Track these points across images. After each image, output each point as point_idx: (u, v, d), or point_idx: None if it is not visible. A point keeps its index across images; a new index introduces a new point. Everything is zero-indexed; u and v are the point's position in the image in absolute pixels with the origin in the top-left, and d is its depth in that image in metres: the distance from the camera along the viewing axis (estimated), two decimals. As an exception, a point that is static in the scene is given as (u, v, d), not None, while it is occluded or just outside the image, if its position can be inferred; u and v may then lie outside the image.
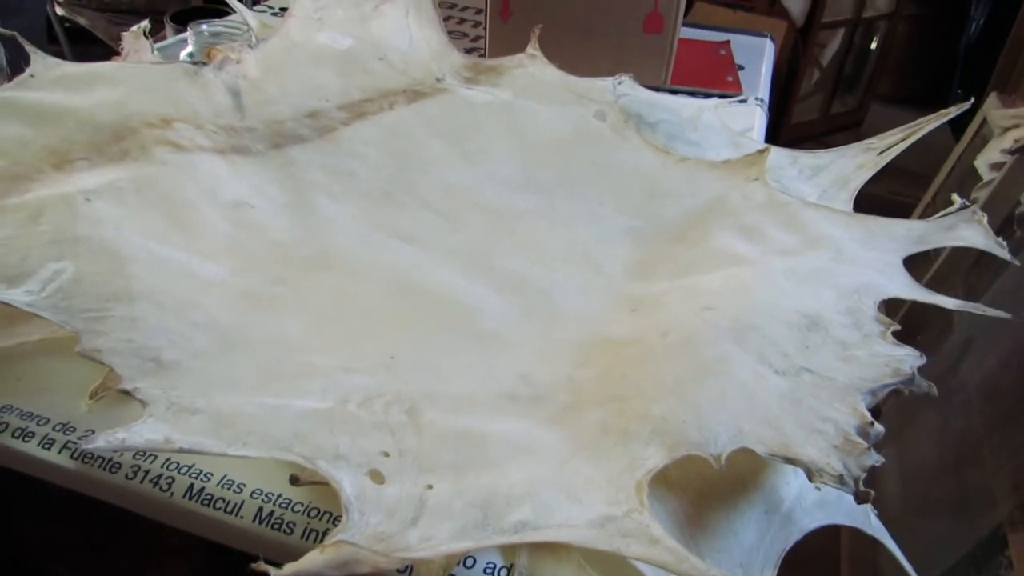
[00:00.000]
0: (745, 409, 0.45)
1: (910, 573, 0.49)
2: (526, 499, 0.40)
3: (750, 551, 0.44)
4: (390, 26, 0.87)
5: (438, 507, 0.40)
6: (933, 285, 1.55)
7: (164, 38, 2.77)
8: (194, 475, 0.46)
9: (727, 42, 1.27)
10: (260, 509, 0.45)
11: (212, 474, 0.46)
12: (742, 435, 0.43)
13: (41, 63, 0.66)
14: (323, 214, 0.64)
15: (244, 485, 0.45)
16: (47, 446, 0.47)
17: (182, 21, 2.67)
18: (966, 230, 0.67)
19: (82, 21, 2.99)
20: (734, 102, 1.04)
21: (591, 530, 0.38)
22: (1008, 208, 1.50)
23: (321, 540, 0.43)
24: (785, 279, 0.58)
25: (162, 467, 0.46)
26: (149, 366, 0.44)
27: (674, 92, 1.06)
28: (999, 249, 0.65)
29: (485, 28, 1.05)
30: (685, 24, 1.08)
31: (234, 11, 0.91)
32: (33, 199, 0.54)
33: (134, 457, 0.46)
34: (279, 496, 0.45)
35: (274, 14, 1.24)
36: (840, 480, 0.41)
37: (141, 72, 0.68)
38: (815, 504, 0.47)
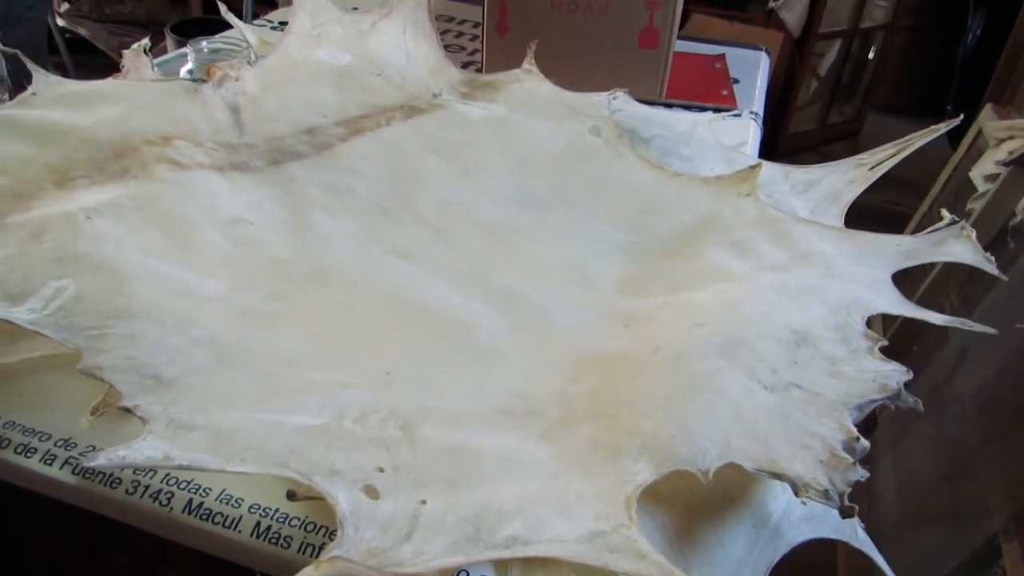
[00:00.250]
0: (733, 424, 0.46)
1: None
2: (517, 514, 0.41)
3: (739, 564, 0.45)
4: (387, 42, 0.88)
5: (431, 522, 0.41)
6: (929, 295, 1.56)
7: (164, 50, 2.79)
8: (193, 490, 0.46)
9: (722, 55, 1.28)
10: (258, 523, 0.45)
11: (211, 489, 0.47)
12: (730, 450, 0.44)
13: (43, 81, 0.67)
14: (321, 230, 0.65)
15: (242, 500, 0.46)
16: (49, 462, 0.47)
17: (182, 32, 2.69)
18: (955, 245, 0.67)
19: (82, 32, 3.01)
20: (728, 116, 1.05)
21: (580, 545, 0.39)
22: (1003, 219, 1.52)
23: (317, 554, 0.44)
24: (775, 295, 0.59)
25: (162, 482, 0.47)
26: (149, 383, 0.45)
27: (669, 106, 1.08)
28: (987, 265, 0.66)
29: (482, 43, 1.06)
30: (681, 37, 1.09)
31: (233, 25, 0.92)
32: (35, 217, 0.55)
33: (134, 473, 0.47)
34: (276, 511, 0.46)
35: (273, 28, 1.25)
36: (825, 495, 0.42)
37: (141, 90, 0.69)
38: (803, 518, 0.48)
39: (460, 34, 1.32)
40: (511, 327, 0.59)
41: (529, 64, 0.90)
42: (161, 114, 0.68)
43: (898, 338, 1.60)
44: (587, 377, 0.53)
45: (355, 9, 1.32)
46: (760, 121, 1.09)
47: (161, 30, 2.70)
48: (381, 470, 0.44)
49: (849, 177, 0.80)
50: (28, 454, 0.48)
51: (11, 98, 2.08)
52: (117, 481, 0.47)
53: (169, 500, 0.46)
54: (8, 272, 0.50)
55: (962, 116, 0.80)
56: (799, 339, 0.54)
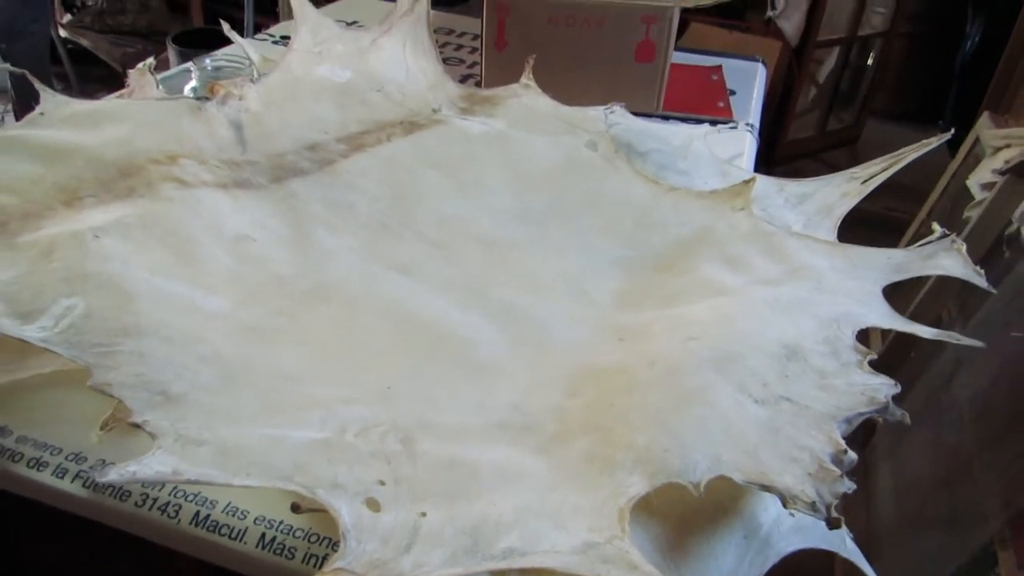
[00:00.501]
0: (724, 438, 0.47)
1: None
2: (514, 526, 0.42)
3: (729, 575, 0.46)
4: (388, 59, 0.89)
5: (431, 534, 0.42)
6: (927, 303, 1.57)
7: (166, 60, 2.80)
8: (200, 503, 0.48)
9: (719, 67, 1.30)
10: (263, 535, 0.47)
11: (217, 502, 0.48)
12: (721, 463, 0.45)
13: (51, 101, 0.68)
14: (322, 247, 0.66)
15: (247, 512, 0.48)
16: (60, 475, 0.49)
17: (184, 43, 2.71)
18: (945, 259, 0.69)
19: (85, 43, 3.03)
20: (724, 129, 1.07)
21: (574, 556, 0.40)
22: (999, 228, 1.53)
23: (321, 565, 0.46)
24: (768, 309, 0.60)
25: (170, 495, 0.48)
26: (157, 399, 0.47)
27: (666, 118, 1.09)
28: (977, 278, 0.67)
29: (481, 57, 1.08)
30: (678, 48, 1.11)
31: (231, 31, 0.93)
32: (45, 236, 0.56)
33: (143, 486, 0.48)
34: (281, 522, 0.47)
35: (275, 42, 1.27)
36: (812, 507, 0.44)
37: (147, 109, 0.71)
38: (792, 528, 0.49)
39: (459, 47, 1.33)
40: (509, 342, 0.60)
41: (527, 79, 0.91)
42: (166, 133, 0.69)
43: (896, 346, 1.61)
44: (583, 391, 0.55)
45: (355, 22, 1.35)
46: (756, 133, 1.10)
47: (163, 40, 2.73)
48: (382, 483, 0.45)
49: (842, 190, 0.81)
50: (40, 468, 0.49)
51: (14, 109, 2.10)
52: (126, 494, 0.48)
53: (177, 512, 0.48)
54: (20, 291, 0.51)
55: (953, 131, 0.81)
56: (790, 353, 0.56)
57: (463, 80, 1.19)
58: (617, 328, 0.62)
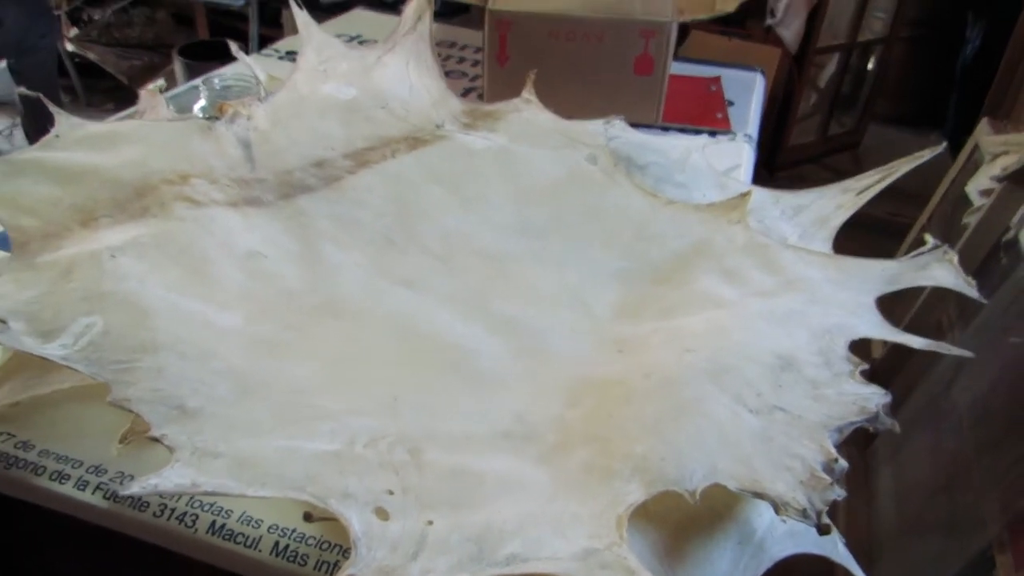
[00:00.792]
0: (719, 447, 0.49)
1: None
2: (517, 534, 0.44)
3: (725, 578, 0.48)
4: (391, 76, 0.91)
5: (437, 542, 0.44)
6: (928, 307, 1.59)
7: (172, 72, 2.82)
8: (216, 512, 0.50)
9: (718, 78, 1.32)
10: (276, 543, 0.49)
11: (232, 511, 0.50)
12: (716, 472, 0.47)
13: (65, 123, 0.70)
14: (330, 262, 0.68)
15: (261, 521, 0.50)
16: (82, 487, 0.51)
17: (189, 55, 2.73)
18: (938, 270, 0.70)
19: (91, 56, 3.06)
20: (723, 140, 1.09)
21: (574, 562, 0.42)
22: (997, 234, 1.54)
23: (332, 571, 0.48)
24: (762, 321, 0.62)
25: (187, 505, 0.50)
26: (174, 413, 0.49)
27: (666, 129, 1.11)
28: (968, 289, 0.68)
29: (483, 71, 1.10)
30: (678, 57, 1.13)
31: (238, 44, 0.95)
32: (63, 256, 0.59)
33: (161, 496, 0.50)
34: (294, 531, 0.50)
35: (280, 58, 1.29)
36: (804, 514, 0.45)
37: (158, 130, 0.73)
38: (786, 534, 0.51)
39: (462, 59, 1.36)
40: (511, 353, 0.62)
41: (528, 93, 0.93)
42: (178, 153, 0.71)
43: (896, 351, 1.63)
44: (583, 401, 0.56)
45: (358, 36, 1.37)
46: (754, 144, 1.12)
47: (169, 53, 2.76)
48: (390, 493, 0.47)
49: (837, 202, 0.83)
50: (62, 480, 0.52)
51: (23, 123, 2.13)
52: (145, 505, 0.50)
53: (194, 522, 0.50)
54: (40, 309, 0.53)
55: (945, 144, 0.83)
56: (784, 363, 0.57)
57: (466, 93, 1.22)
58: (616, 340, 0.64)
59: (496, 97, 1.00)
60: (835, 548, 0.51)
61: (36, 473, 0.52)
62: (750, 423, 0.52)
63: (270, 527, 0.50)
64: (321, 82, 0.87)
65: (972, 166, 1.85)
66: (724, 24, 2.60)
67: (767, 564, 0.50)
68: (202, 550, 0.50)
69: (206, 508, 0.50)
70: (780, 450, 0.50)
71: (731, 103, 1.24)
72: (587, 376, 0.60)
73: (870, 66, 3.02)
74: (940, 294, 1.61)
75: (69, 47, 3.06)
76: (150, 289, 0.57)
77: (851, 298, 0.66)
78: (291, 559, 0.48)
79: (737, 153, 1.07)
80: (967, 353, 0.64)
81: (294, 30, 0.93)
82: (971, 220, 1.64)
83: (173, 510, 0.50)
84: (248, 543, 0.49)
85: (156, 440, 0.46)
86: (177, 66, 2.51)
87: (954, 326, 1.56)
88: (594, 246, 0.75)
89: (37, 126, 2.35)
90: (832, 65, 2.91)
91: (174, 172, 0.69)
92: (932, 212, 1.97)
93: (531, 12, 1.04)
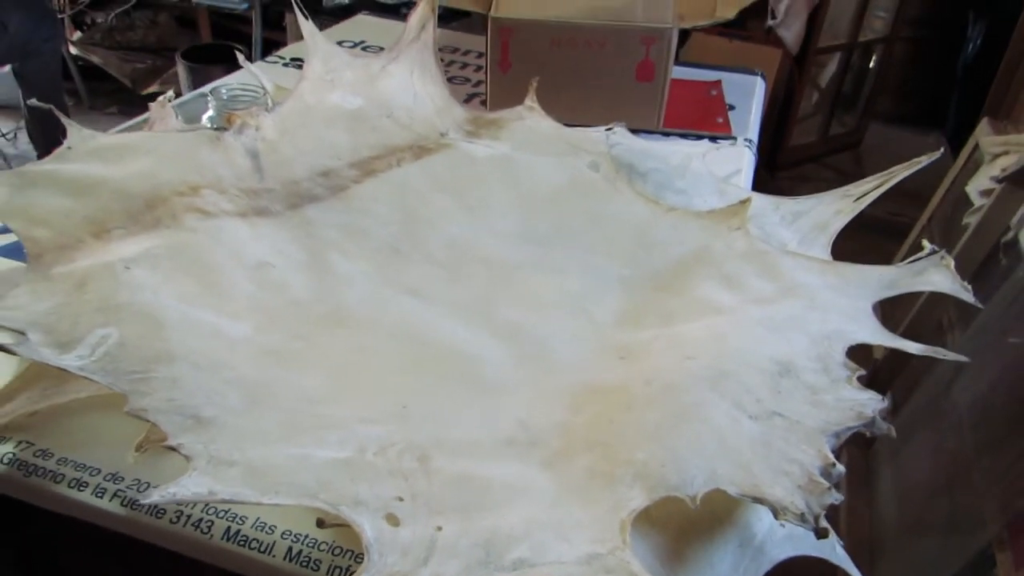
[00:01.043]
0: (719, 453, 0.50)
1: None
2: (523, 539, 0.46)
3: (725, 581, 0.50)
4: (396, 85, 0.93)
5: (446, 547, 0.45)
6: (929, 307, 1.59)
7: (175, 75, 2.83)
8: (231, 518, 0.51)
9: (718, 82, 1.33)
10: (290, 548, 0.50)
11: (246, 517, 0.52)
12: (716, 477, 0.49)
13: (77, 135, 0.72)
14: (337, 271, 0.70)
15: (275, 527, 0.51)
16: (100, 495, 0.53)
17: (192, 58, 2.74)
18: (935, 275, 0.72)
19: (95, 59, 3.08)
20: (724, 145, 1.10)
21: (579, 567, 0.43)
22: (997, 235, 1.55)
23: (344, 576, 0.49)
24: (761, 328, 0.63)
25: (202, 512, 0.52)
26: (189, 423, 0.50)
27: (667, 135, 1.13)
28: (965, 294, 0.70)
29: (486, 77, 1.11)
30: (678, 61, 1.14)
31: (241, 48, 0.97)
32: (78, 268, 0.60)
33: (179, 504, 0.52)
34: (307, 536, 0.51)
35: (285, 64, 1.30)
36: (801, 518, 0.47)
37: (168, 141, 0.74)
38: (785, 537, 0.52)
39: (464, 65, 1.37)
40: (515, 360, 0.64)
41: (531, 101, 0.94)
42: (187, 164, 0.73)
43: (897, 353, 1.63)
44: (586, 408, 0.58)
45: (362, 42, 1.38)
46: (754, 148, 1.14)
47: (171, 56, 2.77)
48: (400, 499, 0.48)
49: (836, 208, 0.84)
50: (81, 488, 0.53)
51: (27, 127, 2.14)
52: (162, 511, 0.52)
53: (209, 528, 0.51)
54: (57, 321, 0.55)
55: (942, 151, 0.84)
56: (783, 370, 0.59)
57: (468, 99, 1.23)
58: (618, 346, 0.65)
59: (499, 103, 1.01)
60: (833, 550, 0.53)
61: (55, 481, 0.54)
62: (749, 429, 0.53)
63: (283, 533, 0.51)
64: (327, 92, 0.89)
65: (972, 166, 1.86)
66: (725, 25, 2.61)
67: (767, 567, 0.51)
68: (217, 556, 0.51)
69: (221, 514, 0.52)
70: (779, 455, 0.51)
71: (732, 107, 1.25)
72: (589, 383, 0.61)
73: (871, 65, 3.03)
74: (940, 295, 1.62)
75: (73, 50, 3.08)
76: (163, 300, 0.59)
77: (849, 304, 0.67)
78: (304, 564, 0.50)
79: (738, 158, 1.09)
80: (962, 358, 0.65)
81: (297, 34, 0.95)
82: (971, 220, 1.65)
83: (189, 516, 0.52)
84: (262, 548, 0.50)
85: (173, 449, 0.48)
86: (180, 69, 2.52)
87: (954, 326, 1.58)
88: (596, 253, 0.76)
89: (41, 130, 2.37)
90: (833, 65, 2.92)
91: (184, 183, 0.71)
92: (933, 212, 1.98)
93: (533, 19, 1.05)
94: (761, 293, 0.68)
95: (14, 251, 0.75)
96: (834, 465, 0.51)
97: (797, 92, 2.72)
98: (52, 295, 0.57)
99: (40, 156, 2.40)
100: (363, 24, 1.53)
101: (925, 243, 0.75)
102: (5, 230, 0.78)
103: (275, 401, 0.55)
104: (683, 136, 1.13)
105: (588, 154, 0.88)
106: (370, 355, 0.63)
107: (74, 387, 0.57)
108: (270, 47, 2.68)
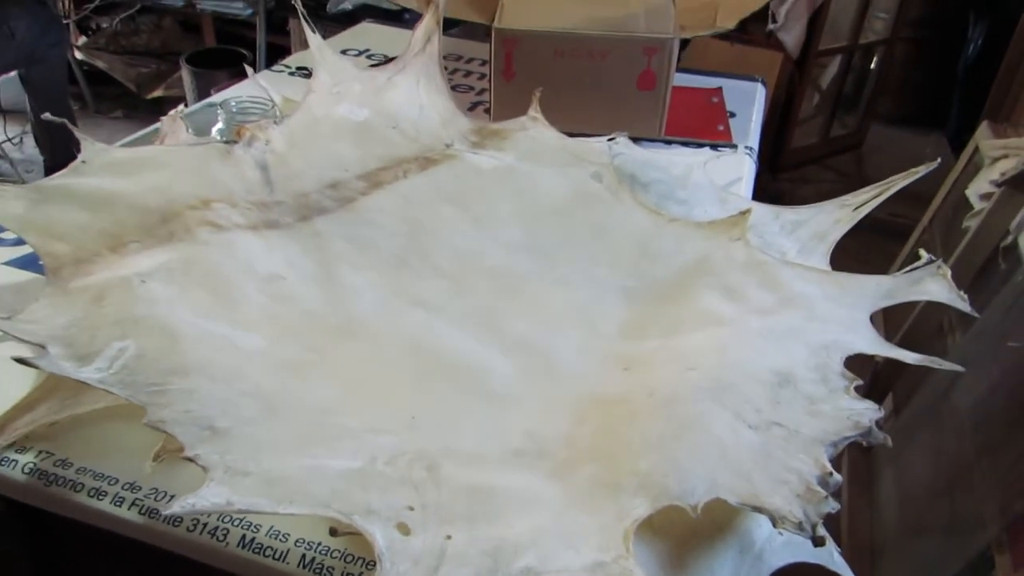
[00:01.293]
0: (720, 463, 0.52)
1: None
2: (530, 547, 0.47)
3: (726, 587, 0.51)
4: (402, 96, 0.94)
5: (456, 555, 0.47)
6: (929, 311, 1.60)
7: (180, 80, 2.85)
8: (246, 527, 0.53)
9: (719, 89, 1.34)
10: (303, 556, 0.52)
11: (261, 525, 0.53)
12: (716, 487, 0.50)
13: (91, 149, 0.73)
14: (347, 283, 0.71)
15: (289, 535, 0.53)
16: (118, 503, 0.54)
17: (196, 63, 2.76)
18: (931, 284, 0.73)
19: (100, 64, 3.10)
20: (724, 155, 1.12)
21: (584, 574, 0.45)
22: (996, 239, 1.57)
23: (356, 583, 0.51)
24: (761, 339, 0.65)
25: (218, 520, 0.53)
26: (205, 434, 0.52)
27: (668, 143, 1.14)
28: (961, 303, 0.71)
29: (490, 87, 1.13)
30: (681, 64, 1.16)
31: (245, 53, 0.98)
32: (95, 282, 0.62)
33: (197, 513, 0.53)
34: (320, 544, 0.53)
35: (291, 73, 1.32)
36: (800, 527, 0.48)
37: (180, 155, 0.76)
38: (783, 544, 0.54)
39: (468, 73, 1.38)
40: (521, 372, 0.65)
41: (534, 111, 0.96)
42: (199, 178, 0.74)
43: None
44: (590, 419, 0.59)
45: (367, 50, 1.40)
46: (755, 156, 1.15)
47: (176, 60, 2.79)
48: (411, 508, 0.50)
49: (835, 217, 0.86)
50: (99, 496, 0.55)
51: (33, 132, 2.17)
52: (179, 520, 0.53)
53: (225, 536, 0.53)
54: (77, 334, 0.57)
55: (939, 160, 0.85)
56: (782, 380, 0.60)
57: (473, 107, 1.24)
58: (621, 358, 0.67)
59: (503, 112, 1.02)
60: (831, 557, 0.54)
61: (75, 490, 0.55)
62: (749, 439, 0.55)
63: (297, 541, 0.53)
64: (335, 104, 0.90)
65: (972, 169, 1.87)
66: (726, 29, 2.62)
67: (766, 573, 0.52)
68: (233, 563, 0.53)
69: (236, 523, 0.53)
70: (778, 465, 0.53)
71: (732, 114, 1.27)
72: (594, 394, 0.62)
73: (872, 66, 3.04)
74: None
75: (78, 55, 3.10)
76: (179, 313, 0.60)
77: (848, 314, 0.69)
78: (317, 571, 0.51)
79: (738, 166, 1.10)
80: (958, 368, 0.66)
81: (301, 39, 0.96)
82: (971, 224, 1.66)
83: (205, 525, 0.53)
84: (276, 556, 0.52)
85: (190, 460, 0.49)
86: (184, 74, 2.54)
87: (955, 329, 1.59)
88: (600, 264, 0.78)
89: (47, 134, 2.39)
90: (834, 66, 2.93)
91: (197, 197, 0.72)
92: (934, 214, 2.00)
93: (537, 30, 1.07)
94: (761, 304, 0.70)
95: (29, 263, 0.77)
96: (831, 474, 0.52)
97: (798, 94, 2.74)
98: (70, 309, 0.59)
99: (46, 160, 2.43)
100: (367, 32, 1.54)
101: (922, 252, 0.76)
102: (18, 242, 0.80)
103: (289, 412, 0.56)
104: (684, 144, 1.15)
105: (591, 165, 0.90)
106: (380, 366, 0.64)
107: (91, 398, 0.59)
108: (274, 51, 2.70)
